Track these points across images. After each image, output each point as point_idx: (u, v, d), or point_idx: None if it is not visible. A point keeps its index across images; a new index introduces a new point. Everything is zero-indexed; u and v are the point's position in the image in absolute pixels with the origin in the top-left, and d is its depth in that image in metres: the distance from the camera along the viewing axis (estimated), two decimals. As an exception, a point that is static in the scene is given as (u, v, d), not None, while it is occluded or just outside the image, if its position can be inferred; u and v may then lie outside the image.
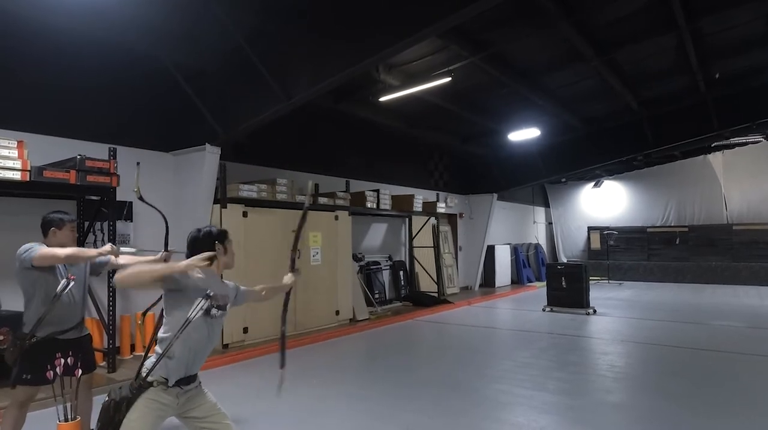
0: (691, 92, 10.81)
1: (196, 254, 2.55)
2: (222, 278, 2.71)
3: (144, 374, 2.34)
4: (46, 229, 3.34)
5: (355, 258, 10.11)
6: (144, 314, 5.01)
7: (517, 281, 16.23)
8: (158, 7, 5.67)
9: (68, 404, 2.94)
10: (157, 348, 2.41)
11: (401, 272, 11.85)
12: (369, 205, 9.92)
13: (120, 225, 6.25)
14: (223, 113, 6.63)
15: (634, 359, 6.74)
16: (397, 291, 11.64)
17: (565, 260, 19.02)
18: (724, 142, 14.71)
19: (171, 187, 6.97)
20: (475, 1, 4.73)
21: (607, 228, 18.35)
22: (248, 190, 7.38)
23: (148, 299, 4.78)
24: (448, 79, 7.89)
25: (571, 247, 20.08)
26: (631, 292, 14.59)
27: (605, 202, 19.32)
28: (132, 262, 3.68)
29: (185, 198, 6.85)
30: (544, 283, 11.78)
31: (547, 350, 7.17)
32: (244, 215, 7.32)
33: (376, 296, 10.69)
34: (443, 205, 12.77)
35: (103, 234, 5.94)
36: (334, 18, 5.86)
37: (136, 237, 6.51)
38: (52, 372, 2.93)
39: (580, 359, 6.74)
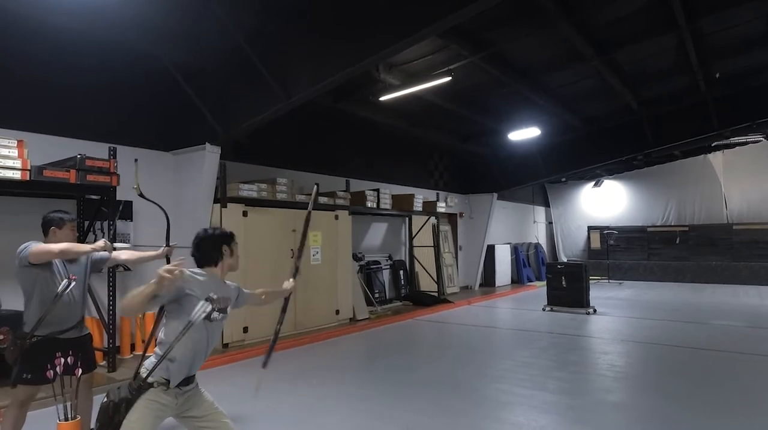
0: (691, 92, 10.81)
1: (202, 255, 2.57)
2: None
3: (144, 375, 2.34)
4: (47, 228, 3.35)
5: (355, 257, 10.11)
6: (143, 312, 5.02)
7: (517, 280, 16.23)
8: (158, 6, 5.66)
9: (68, 404, 2.94)
10: (157, 349, 2.41)
11: (401, 272, 11.86)
12: (369, 204, 9.92)
13: (120, 224, 6.26)
14: (223, 113, 6.63)
15: (634, 359, 6.74)
16: (397, 291, 11.64)
17: (565, 260, 19.02)
18: (725, 141, 14.69)
19: (171, 186, 6.97)
20: (474, 1, 4.73)
21: (607, 227, 18.35)
22: (248, 190, 7.39)
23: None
24: (449, 78, 7.89)
25: (571, 246, 20.08)
26: (631, 291, 14.59)
27: (605, 202, 19.32)
28: (134, 257, 3.69)
29: (185, 197, 6.85)
30: (544, 282, 11.78)
31: (547, 350, 7.17)
32: (244, 214, 7.32)
33: (376, 295, 10.70)
34: (443, 204, 12.77)
35: (104, 233, 5.94)
36: (334, 18, 5.86)
37: (136, 236, 6.51)
38: (52, 371, 2.94)
39: (580, 358, 6.75)
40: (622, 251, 18.38)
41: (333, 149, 10.36)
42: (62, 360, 2.94)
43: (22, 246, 3.16)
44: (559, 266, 11.04)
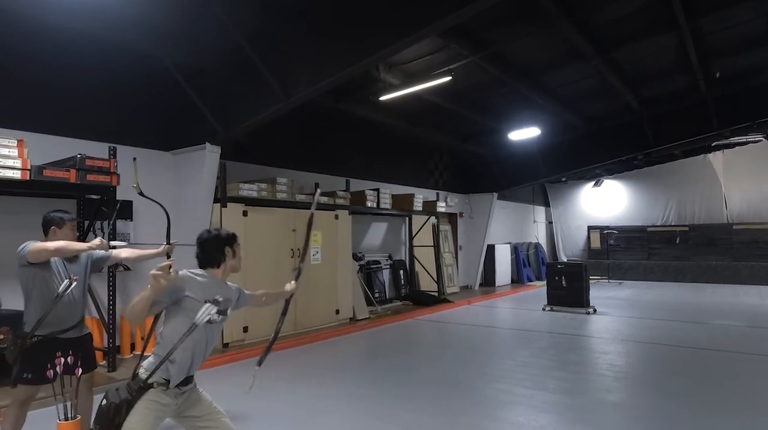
0: (691, 91, 10.80)
1: (205, 256, 2.57)
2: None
3: (144, 377, 2.34)
4: (47, 228, 3.35)
5: (355, 257, 10.12)
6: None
7: (517, 280, 16.24)
8: (158, 6, 5.66)
9: (68, 403, 2.94)
10: (156, 349, 2.42)
11: (401, 271, 11.85)
12: (369, 204, 9.93)
13: (120, 224, 6.26)
14: (223, 112, 6.63)
15: (634, 359, 6.74)
16: (397, 290, 11.64)
17: (565, 259, 19.01)
18: (725, 141, 14.68)
19: (171, 186, 6.97)
20: (473, 1, 4.73)
21: (607, 227, 18.35)
22: (248, 190, 7.39)
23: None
24: (449, 78, 7.89)
25: (571, 246, 20.09)
26: (631, 291, 14.59)
27: (605, 202, 19.32)
28: (134, 255, 3.70)
29: (185, 197, 6.85)
30: (544, 282, 11.79)
31: (547, 349, 7.18)
32: (244, 214, 7.32)
33: (376, 295, 10.70)
34: (443, 204, 12.76)
35: (104, 233, 5.94)
36: (334, 18, 5.86)
37: (136, 236, 6.51)
38: (52, 371, 2.94)
39: (580, 358, 6.75)
40: (622, 251, 18.38)
41: (333, 149, 10.36)
42: (62, 360, 2.94)
43: (22, 245, 3.16)
44: (559, 266, 11.04)
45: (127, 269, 6.43)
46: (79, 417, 3.00)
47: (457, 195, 14.32)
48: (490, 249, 14.99)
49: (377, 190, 10.30)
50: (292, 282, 3.13)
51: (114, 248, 3.72)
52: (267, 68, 6.14)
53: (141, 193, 3.79)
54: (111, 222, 5.54)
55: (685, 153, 16.40)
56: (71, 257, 3.35)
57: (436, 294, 11.68)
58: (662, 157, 16.44)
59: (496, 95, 10.13)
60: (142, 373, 2.36)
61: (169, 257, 3.80)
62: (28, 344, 3.12)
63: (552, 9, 6.71)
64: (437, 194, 13.34)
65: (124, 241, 6.25)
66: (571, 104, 11.08)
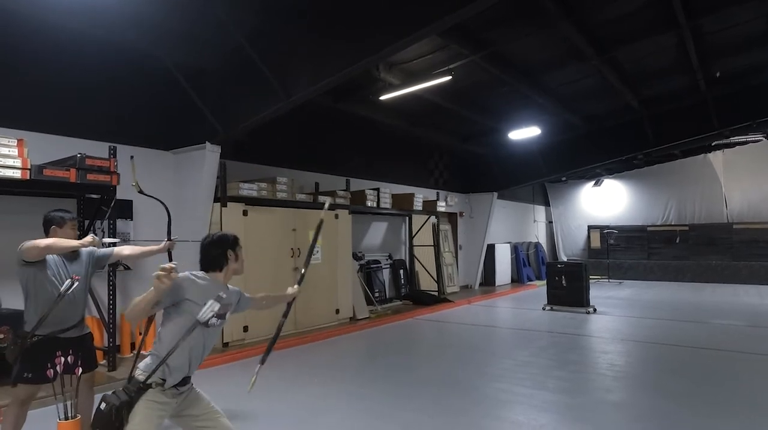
0: (691, 91, 10.80)
1: (208, 260, 2.58)
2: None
3: (143, 378, 2.34)
4: (48, 227, 3.35)
5: (355, 257, 10.12)
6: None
7: (517, 279, 16.24)
8: (158, 6, 5.66)
9: (68, 403, 2.94)
10: (154, 350, 2.42)
11: (401, 271, 11.86)
12: (369, 203, 9.93)
13: (121, 224, 6.26)
14: (223, 112, 6.64)
15: (633, 358, 6.75)
16: (397, 290, 11.65)
17: (565, 259, 19.02)
18: (725, 141, 14.69)
19: (171, 185, 6.98)
20: (473, 1, 4.73)
21: (608, 227, 18.35)
22: (248, 189, 7.39)
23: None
24: (449, 77, 7.89)
25: (571, 246, 20.09)
26: (631, 291, 14.59)
27: (605, 201, 19.32)
28: (136, 252, 3.72)
29: (185, 196, 6.86)
30: (544, 282, 11.79)
31: (547, 349, 7.18)
32: (245, 213, 7.32)
33: (376, 294, 10.70)
34: (443, 204, 12.77)
35: (104, 232, 5.94)
36: (334, 18, 5.86)
37: (136, 235, 6.51)
38: (52, 370, 2.94)
39: (580, 357, 6.75)
40: (622, 251, 18.38)
41: (333, 148, 10.36)
42: (62, 359, 2.95)
43: (20, 245, 3.17)
44: (559, 266, 11.04)
45: (127, 268, 6.45)
46: (79, 416, 3.00)
47: (457, 195, 14.32)
48: (490, 249, 14.99)
49: (377, 189, 10.31)
50: (295, 286, 3.13)
51: (105, 245, 3.73)
52: (267, 68, 6.14)
53: (141, 191, 3.80)
54: (105, 218, 5.54)
55: (685, 153, 16.39)
56: (72, 256, 3.35)
57: (436, 294, 11.68)
58: (662, 157, 16.44)
59: (496, 95, 10.13)
60: (139, 374, 2.37)
61: (170, 254, 3.82)
62: (29, 343, 3.12)
63: (552, 9, 6.71)
64: (437, 194, 13.35)
65: (125, 240, 6.26)
66: (571, 104, 11.08)
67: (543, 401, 4.83)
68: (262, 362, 2.98)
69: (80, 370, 3.08)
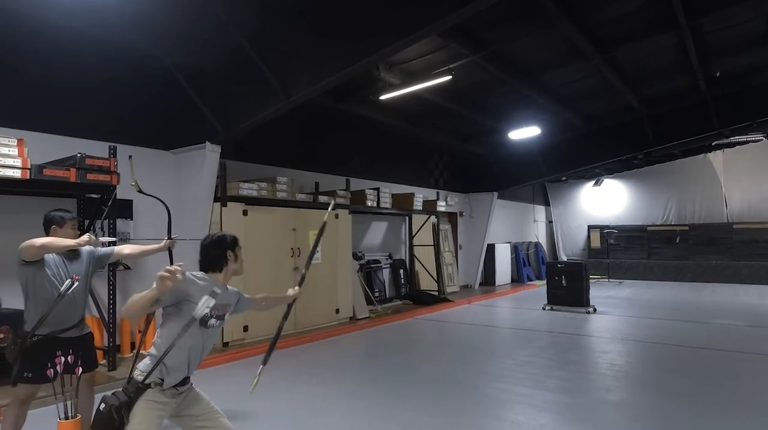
0: (691, 91, 10.80)
1: (207, 261, 2.58)
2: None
3: (141, 379, 2.34)
4: (48, 227, 3.35)
5: (356, 256, 10.12)
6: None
7: (517, 279, 16.24)
8: (158, 6, 5.66)
9: (69, 402, 2.94)
10: (152, 350, 2.42)
11: (401, 271, 11.86)
12: (369, 203, 9.93)
13: (120, 223, 6.26)
14: (223, 112, 6.64)
15: (633, 358, 6.75)
16: (397, 289, 11.65)
17: (565, 259, 19.03)
18: (725, 140, 14.68)
19: (171, 185, 6.98)
20: (472, 1, 4.73)
21: (608, 227, 18.35)
22: (248, 189, 7.39)
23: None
24: (449, 77, 7.89)
25: (571, 245, 20.09)
26: (631, 290, 14.59)
27: (605, 201, 19.33)
28: (137, 251, 3.72)
29: (185, 196, 6.86)
30: (544, 281, 11.78)
31: (547, 349, 7.18)
32: (245, 213, 7.32)
33: (376, 294, 10.70)
34: (443, 203, 12.77)
35: (104, 232, 5.94)
36: (334, 18, 5.86)
37: (136, 235, 6.52)
38: (52, 370, 2.94)
39: (580, 357, 6.75)
40: (622, 250, 18.38)
41: (333, 148, 10.36)
42: (62, 359, 2.95)
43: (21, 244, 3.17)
44: (559, 265, 11.04)
45: (127, 268, 6.44)
46: (79, 416, 3.00)
47: (457, 194, 14.32)
48: (490, 248, 14.99)
49: (377, 189, 10.31)
50: (296, 288, 3.13)
51: (104, 244, 3.74)
52: (267, 68, 6.14)
53: (140, 191, 3.80)
54: (103, 218, 5.54)
55: (685, 152, 16.39)
56: (73, 256, 3.35)
57: (436, 293, 11.68)
58: (662, 157, 16.44)
59: (496, 95, 10.13)
60: (138, 375, 2.37)
61: (171, 252, 3.82)
62: (29, 343, 3.12)
63: (552, 8, 6.71)
64: (437, 194, 13.35)
65: (124, 240, 6.26)
66: (571, 103, 11.08)
67: (543, 400, 4.83)
68: (264, 362, 2.98)
69: (80, 370, 3.08)
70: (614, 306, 11.26)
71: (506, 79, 9.07)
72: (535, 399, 4.86)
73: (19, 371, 3.12)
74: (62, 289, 3.07)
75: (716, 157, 16.89)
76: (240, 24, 6.15)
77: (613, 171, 18.61)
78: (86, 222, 5.95)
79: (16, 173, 4.70)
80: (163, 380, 2.36)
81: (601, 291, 13.82)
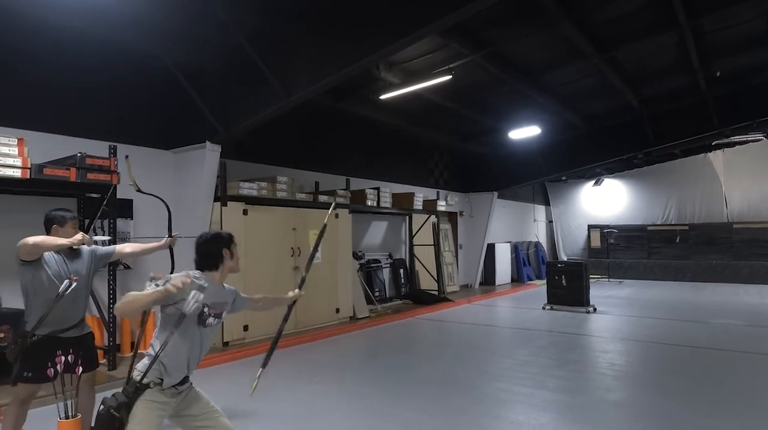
0: (691, 90, 10.80)
1: (202, 259, 2.58)
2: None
3: (138, 379, 2.34)
4: (49, 226, 3.35)
5: (356, 256, 10.12)
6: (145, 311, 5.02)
7: (518, 279, 16.24)
8: (158, 6, 5.66)
9: (69, 402, 2.94)
10: (150, 351, 2.42)
11: (401, 270, 11.86)
12: (369, 203, 9.93)
13: (121, 223, 6.26)
14: (223, 111, 6.64)
15: (633, 358, 6.75)
16: (398, 289, 11.65)
17: (565, 258, 19.03)
18: (725, 140, 14.69)
19: (171, 185, 6.98)
20: (472, 1, 4.73)
21: (608, 226, 18.34)
22: (248, 188, 7.39)
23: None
24: (449, 77, 7.89)
25: (571, 245, 20.09)
26: (631, 290, 14.59)
27: (605, 201, 19.33)
28: (138, 249, 3.73)
29: (186, 196, 6.86)
30: (544, 281, 11.79)
31: (547, 348, 7.18)
32: (245, 212, 7.32)
33: (377, 293, 10.70)
34: (443, 203, 12.77)
35: (104, 232, 5.95)
36: (334, 18, 5.86)
37: (136, 234, 6.52)
38: (52, 370, 2.94)
39: (580, 357, 6.75)
40: (622, 250, 18.38)
41: (333, 148, 10.36)
42: (63, 358, 2.95)
43: None
44: (559, 265, 11.05)
45: (127, 267, 6.45)
46: (79, 415, 3.01)
47: (458, 194, 14.32)
48: (490, 248, 14.99)
49: (377, 189, 10.31)
50: (296, 290, 3.13)
51: (102, 243, 3.74)
52: (267, 67, 6.14)
53: (139, 190, 3.80)
54: (97, 217, 5.54)
55: (685, 152, 16.40)
56: (73, 255, 3.35)
57: (436, 293, 11.68)
58: (662, 157, 16.44)
59: (496, 94, 10.13)
60: (136, 375, 2.36)
61: (171, 250, 3.82)
62: (29, 342, 3.12)
63: (552, 8, 6.71)
64: (437, 193, 13.34)
65: (123, 239, 6.26)
66: (571, 103, 11.08)
67: (543, 400, 4.83)
68: (264, 365, 2.97)
69: (80, 369, 3.08)
70: (614, 306, 11.27)
71: (506, 79, 9.07)
72: (535, 399, 4.86)
73: (19, 371, 3.12)
74: (60, 289, 3.07)
75: (716, 157, 16.88)
76: (240, 24, 6.16)
77: (614, 171, 18.61)
78: (86, 221, 5.95)
79: (17, 173, 4.70)
80: (162, 379, 2.37)
81: (601, 291, 13.82)
